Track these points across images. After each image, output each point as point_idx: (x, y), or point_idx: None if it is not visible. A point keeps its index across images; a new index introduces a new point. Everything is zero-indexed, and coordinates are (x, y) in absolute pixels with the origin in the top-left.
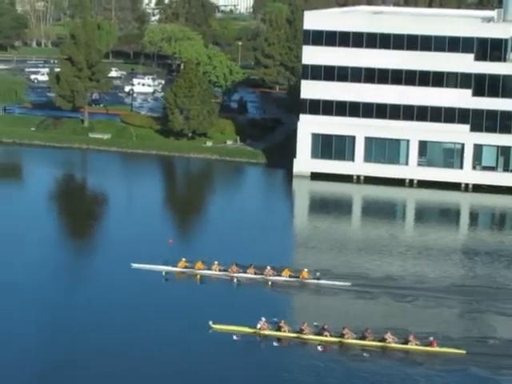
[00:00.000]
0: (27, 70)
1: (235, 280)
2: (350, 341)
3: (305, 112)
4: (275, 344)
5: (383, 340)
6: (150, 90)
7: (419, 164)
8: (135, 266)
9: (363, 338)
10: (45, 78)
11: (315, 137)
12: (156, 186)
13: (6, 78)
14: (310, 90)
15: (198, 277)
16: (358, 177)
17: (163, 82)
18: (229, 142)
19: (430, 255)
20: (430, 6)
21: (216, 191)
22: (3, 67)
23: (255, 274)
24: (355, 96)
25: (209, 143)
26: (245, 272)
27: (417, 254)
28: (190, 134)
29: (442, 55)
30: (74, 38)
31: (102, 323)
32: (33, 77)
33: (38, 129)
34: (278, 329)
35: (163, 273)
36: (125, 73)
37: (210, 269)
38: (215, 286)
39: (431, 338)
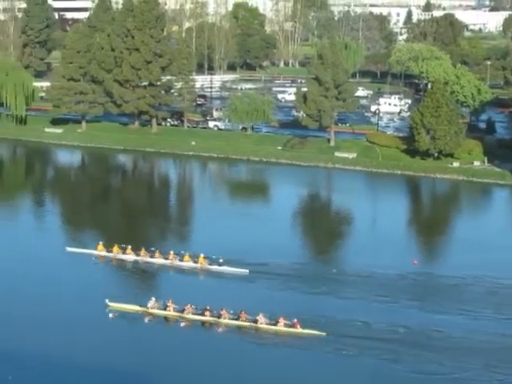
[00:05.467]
0: (275, 89)
1: None
2: (227, 321)
3: None
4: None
5: (255, 321)
6: (397, 109)
7: None
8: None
9: (238, 318)
10: (292, 97)
11: None
12: (400, 205)
13: (255, 98)
14: None
15: None
16: None
17: (410, 101)
18: (476, 163)
19: None
20: None
21: (461, 212)
22: (252, 86)
23: None
24: None
25: (455, 164)
26: None
27: None
28: (435, 155)
29: None
30: (321, 57)
31: None
32: (280, 96)
33: (285, 147)
34: (165, 308)
35: None
36: (371, 92)
37: None
38: None
39: (295, 320)
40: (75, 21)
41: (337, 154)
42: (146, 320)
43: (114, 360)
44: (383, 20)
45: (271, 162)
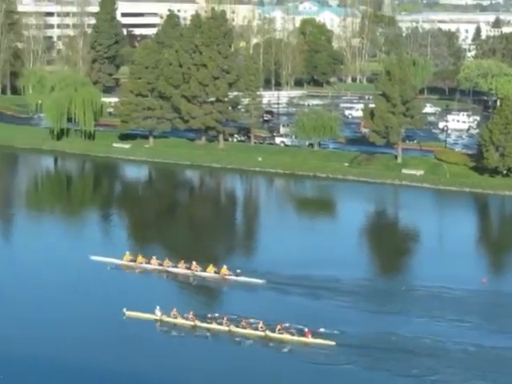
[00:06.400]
0: (342, 105)
1: None
2: (236, 329)
3: None
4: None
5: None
6: (465, 126)
7: None
8: None
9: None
10: (359, 113)
11: None
12: (468, 223)
13: (322, 114)
14: None
15: None
16: None
17: (478, 118)
18: None
19: None
20: None
21: None
22: (319, 102)
23: None
24: None
25: None
26: None
27: None
28: (504, 172)
29: None
30: (389, 74)
31: None
32: (347, 112)
33: (352, 164)
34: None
35: None
36: (439, 109)
37: None
38: None
39: (306, 330)
40: (143, 37)
41: (404, 170)
42: (158, 328)
43: (123, 363)
44: (452, 36)
45: (338, 178)
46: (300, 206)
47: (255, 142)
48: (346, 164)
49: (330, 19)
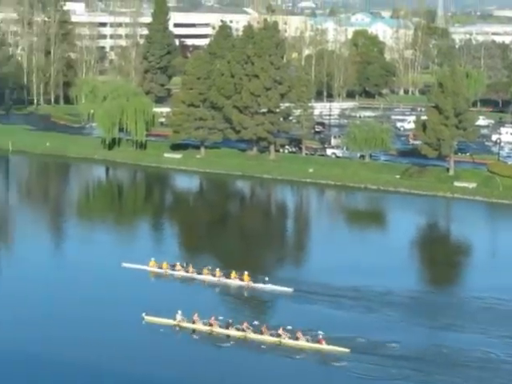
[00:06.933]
0: (394, 117)
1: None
2: (250, 335)
3: None
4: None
5: (279, 336)
6: None
7: None
8: None
9: (261, 333)
10: (411, 125)
11: None
12: None
13: (373, 126)
14: None
15: None
16: None
17: None
18: None
19: None
20: None
21: None
22: (370, 114)
23: None
24: None
25: None
26: None
27: None
28: None
29: None
30: (441, 86)
31: None
32: (399, 124)
33: (403, 176)
34: (193, 322)
35: None
36: (492, 121)
37: None
38: None
39: (320, 336)
40: (195, 47)
41: (456, 183)
42: (176, 333)
43: (141, 368)
44: (505, 48)
45: (389, 190)
46: (351, 217)
47: (306, 154)
48: (398, 176)
49: (382, 31)
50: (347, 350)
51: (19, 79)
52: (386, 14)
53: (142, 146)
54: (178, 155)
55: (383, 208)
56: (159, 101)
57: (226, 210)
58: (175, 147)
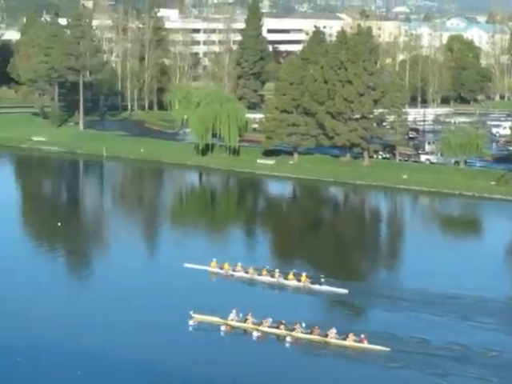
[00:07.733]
0: (489, 123)
1: None
2: (299, 334)
3: None
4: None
5: (326, 335)
6: None
7: None
8: None
9: (311, 333)
10: (506, 131)
11: None
12: None
13: (468, 131)
14: None
15: None
16: None
17: None
18: None
19: None
20: None
21: None
22: (465, 120)
23: None
24: None
25: None
26: None
27: None
28: None
29: None
30: None
31: None
32: (494, 130)
33: (499, 182)
34: (245, 321)
35: None
36: None
37: None
38: None
39: (362, 336)
40: (289, 53)
41: None
42: (225, 331)
43: (188, 366)
44: None
45: (484, 197)
46: (445, 224)
47: (400, 160)
48: (493, 182)
49: (478, 36)
50: (387, 349)
51: (113, 85)
52: (482, 18)
53: (235, 151)
54: (270, 161)
55: (478, 215)
56: (252, 107)
57: (319, 216)
58: (268, 153)
